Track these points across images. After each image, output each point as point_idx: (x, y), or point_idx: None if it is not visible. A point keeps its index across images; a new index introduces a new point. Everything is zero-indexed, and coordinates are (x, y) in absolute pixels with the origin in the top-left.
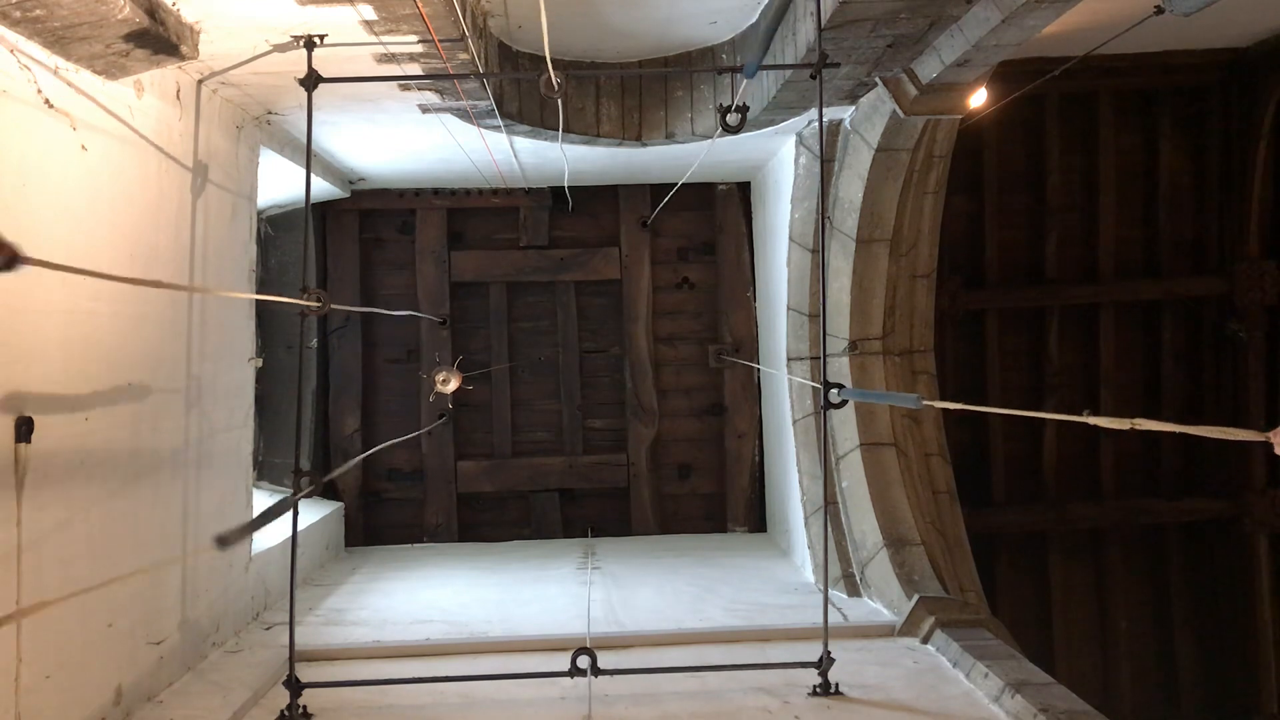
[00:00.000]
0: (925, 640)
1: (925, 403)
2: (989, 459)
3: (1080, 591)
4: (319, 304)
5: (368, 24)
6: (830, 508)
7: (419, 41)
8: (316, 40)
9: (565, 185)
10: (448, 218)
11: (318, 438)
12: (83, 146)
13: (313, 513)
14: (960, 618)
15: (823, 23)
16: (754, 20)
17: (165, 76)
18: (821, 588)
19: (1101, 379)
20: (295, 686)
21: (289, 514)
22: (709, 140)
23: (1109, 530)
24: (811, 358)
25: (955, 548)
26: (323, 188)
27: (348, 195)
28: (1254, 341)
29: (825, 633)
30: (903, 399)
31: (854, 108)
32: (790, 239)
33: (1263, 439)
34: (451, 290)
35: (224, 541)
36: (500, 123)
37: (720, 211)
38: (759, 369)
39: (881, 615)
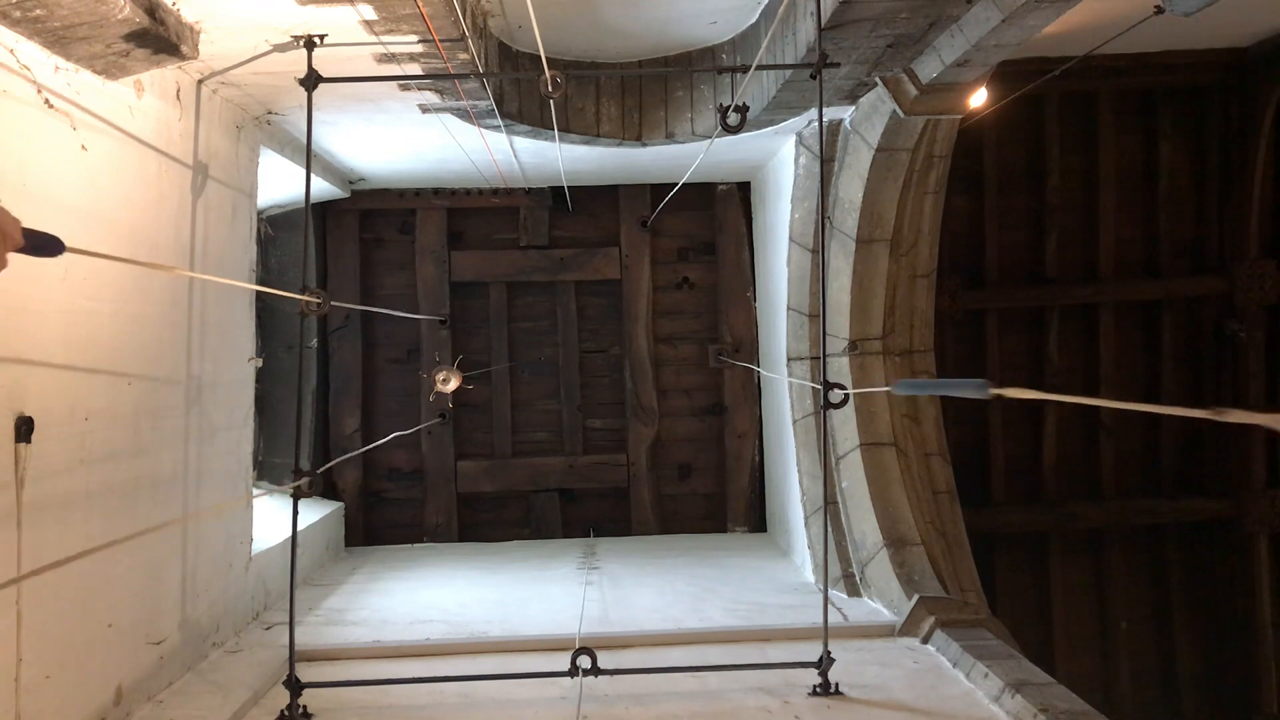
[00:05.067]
0: (925, 640)
1: (995, 391)
2: (989, 459)
3: (1080, 591)
4: (319, 302)
5: (368, 24)
6: (830, 508)
7: (419, 41)
8: (316, 40)
9: (565, 185)
10: (448, 218)
11: (318, 438)
12: (83, 146)
13: (313, 513)
14: (960, 618)
15: (823, 23)
16: (754, 20)
17: (165, 76)
18: (821, 587)
19: (1101, 379)
20: (295, 686)
21: (290, 513)
22: (709, 140)
23: (1109, 530)
24: (811, 358)
25: (955, 548)
26: (323, 188)
27: (348, 195)
28: (1254, 341)
29: (825, 633)
30: (965, 385)
31: (854, 108)
32: (790, 239)
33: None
34: (451, 290)
35: None
36: (500, 123)
37: (720, 211)
38: (759, 369)
39: (881, 615)
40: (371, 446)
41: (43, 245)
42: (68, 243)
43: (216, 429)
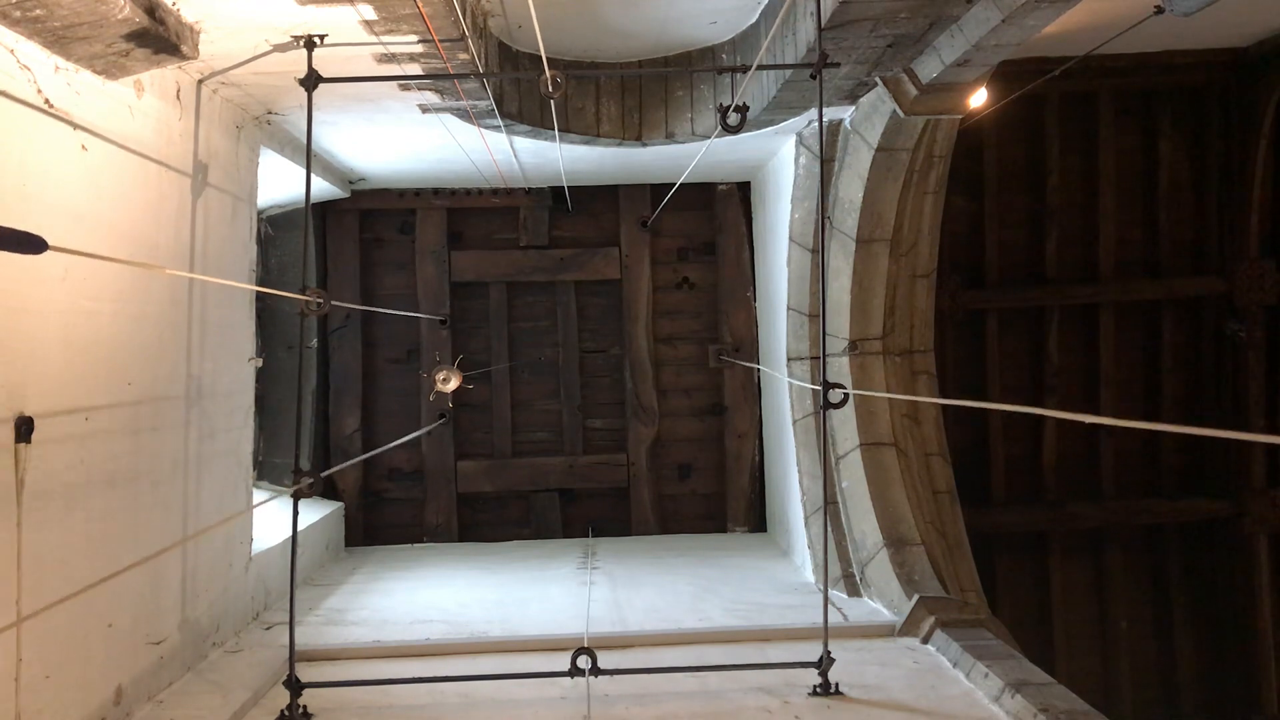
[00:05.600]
0: (925, 640)
1: None
2: (989, 459)
3: (1080, 591)
4: (319, 302)
5: (368, 24)
6: (830, 508)
7: (419, 41)
8: (316, 40)
9: (565, 185)
10: (448, 218)
11: (318, 438)
12: (83, 147)
13: (313, 513)
14: (960, 618)
15: (823, 23)
16: (754, 20)
17: (165, 76)
18: (821, 587)
19: (1101, 379)
20: (295, 686)
21: (290, 513)
22: (709, 140)
23: (1109, 530)
24: (811, 358)
25: (955, 548)
26: (323, 188)
27: (348, 195)
28: (1254, 341)
29: (825, 632)
30: None
31: (854, 108)
32: (790, 239)
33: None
34: (451, 290)
35: None
36: (500, 123)
37: (720, 211)
38: (759, 369)
39: (881, 615)
40: (377, 451)
41: (21, 241)
42: (67, 243)
43: (216, 429)
